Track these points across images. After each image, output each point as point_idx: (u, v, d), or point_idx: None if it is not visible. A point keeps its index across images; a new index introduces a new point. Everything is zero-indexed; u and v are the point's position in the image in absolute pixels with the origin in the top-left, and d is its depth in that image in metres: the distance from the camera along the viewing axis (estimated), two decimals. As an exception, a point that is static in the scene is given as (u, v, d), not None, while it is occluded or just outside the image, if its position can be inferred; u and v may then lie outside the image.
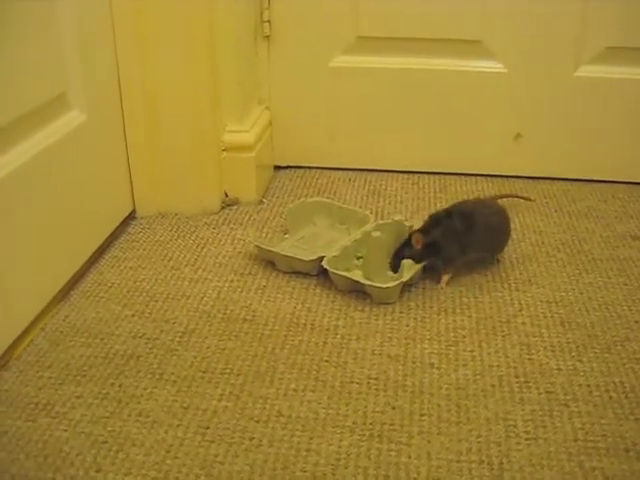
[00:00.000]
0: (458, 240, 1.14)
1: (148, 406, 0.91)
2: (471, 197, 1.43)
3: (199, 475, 0.81)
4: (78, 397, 0.92)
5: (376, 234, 1.13)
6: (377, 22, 1.46)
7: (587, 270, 1.20)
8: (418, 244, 1.12)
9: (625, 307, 1.11)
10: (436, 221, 1.16)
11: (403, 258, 1.13)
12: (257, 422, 0.88)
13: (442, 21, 1.44)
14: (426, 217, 1.19)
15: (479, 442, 0.85)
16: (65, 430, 0.87)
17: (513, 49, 1.44)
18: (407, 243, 1.15)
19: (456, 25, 1.44)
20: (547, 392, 0.93)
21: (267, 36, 1.48)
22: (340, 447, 0.85)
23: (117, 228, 1.32)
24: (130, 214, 1.37)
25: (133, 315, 1.09)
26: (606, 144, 1.49)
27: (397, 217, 1.23)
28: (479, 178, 1.53)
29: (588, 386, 0.94)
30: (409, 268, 1.12)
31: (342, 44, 1.49)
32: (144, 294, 1.14)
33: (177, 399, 0.92)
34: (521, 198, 1.42)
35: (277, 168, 1.59)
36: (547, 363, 0.99)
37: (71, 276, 1.16)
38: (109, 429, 0.87)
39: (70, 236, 1.15)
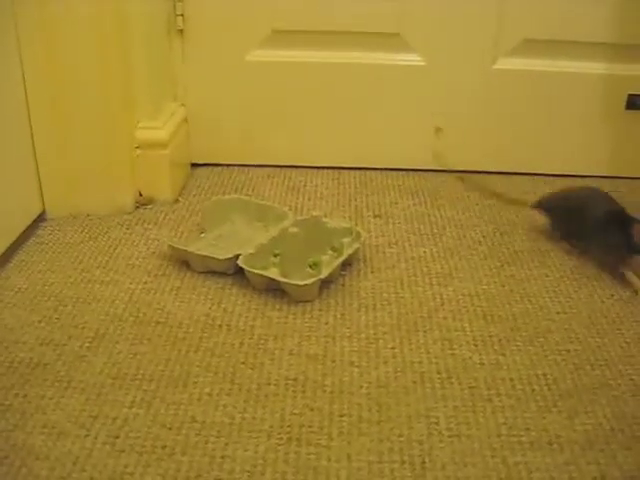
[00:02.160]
0: None
1: (54, 417, 0.86)
2: (391, 192, 1.42)
3: (107, 488, 0.77)
4: (-22, 410, 0.87)
5: (293, 230, 1.11)
6: (293, 15, 1.42)
7: (509, 262, 1.20)
8: None
9: (547, 298, 1.10)
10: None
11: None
12: (170, 429, 0.84)
13: (360, 14, 1.41)
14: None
15: (401, 441, 0.83)
16: (-37, 447, 0.81)
17: (431, 42, 1.43)
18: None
19: (374, 18, 1.42)
20: (470, 387, 0.92)
21: (181, 30, 1.43)
22: (257, 452, 0.81)
23: (25, 230, 1.26)
24: (40, 215, 1.31)
25: (40, 321, 1.03)
26: (526, 137, 1.49)
27: (315, 213, 1.20)
28: (400, 173, 1.52)
29: (511, 380, 0.93)
30: (327, 264, 1.09)
31: (258, 38, 1.45)
32: (52, 298, 1.09)
33: (85, 408, 0.87)
34: None
35: (194, 166, 1.54)
36: (469, 358, 0.97)
37: (-25, 282, 1.10)
38: (12, 443, 0.82)
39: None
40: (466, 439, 0.84)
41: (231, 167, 1.54)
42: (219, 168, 1.54)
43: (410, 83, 1.46)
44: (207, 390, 0.90)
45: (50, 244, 1.24)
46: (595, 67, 1.43)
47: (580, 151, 1.50)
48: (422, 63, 1.44)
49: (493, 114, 1.47)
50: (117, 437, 0.83)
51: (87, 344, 0.99)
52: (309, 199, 1.41)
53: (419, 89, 1.46)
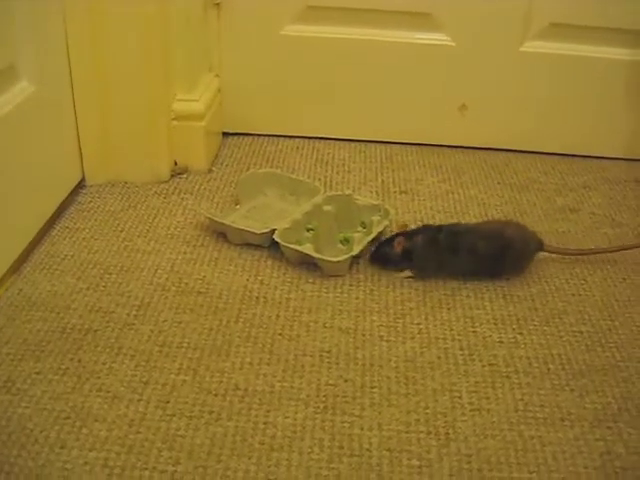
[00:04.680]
0: (437, 255, 1.14)
1: (108, 381, 0.93)
2: (416, 167, 1.47)
3: (162, 449, 0.84)
4: (38, 373, 0.93)
5: (327, 208, 1.16)
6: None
7: (527, 242, 1.25)
8: (399, 247, 1.13)
9: (563, 280, 1.16)
10: (424, 230, 1.17)
11: (385, 257, 1.15)
12: (215, 396, 0.91)
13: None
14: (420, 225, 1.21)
15: (427, 413, 0.90)
16: (27, 407, 0.88)
17: (461, 23, 1.47)
18: (389, 242, 1.15)
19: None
20: (490, 364, 0.98)
21: (217, 3, 1.48)
22: (296, 419, 0.88)
23: (67, 197, 1.31)
24: (79, 183, 1.37)
25: (88, 288, 1.10)
26: (547, 117, 1.54)
27: (347, 192, 1.26)
28: (424, 147, 1.57)
29: (528, 358, 1.00)
30: (359, 242, 1.15)
31: (292, 13, 1.49)
32: (98, 266, 1.15)
33: (136, 373, 0.94)
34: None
35: (226, 134, 1.59)
36: (490, 336, 1.03)
37: (24, 248, 1.16)
38: (71, 405, 0.89)
39: (21, 207, 1.15)
40: (486, 413, 0.90)
41: (261, 137, 1.59)
42: (249, 138, 1.59)
43: (438, 62, 1.51)
44: (248, 359, 0.97)
45: (91, 211, 1.29)
46: (619, 53, 1.47)
47: (601, 133, 1.55)
48: (451, 43, 1.49)
49: (517, 94, 1.52)
50: (167, 402, 0.90)
51: (134, 312, 1.05)
52: (337, 172, 1.46)
53: (446, 68, 1.51)
